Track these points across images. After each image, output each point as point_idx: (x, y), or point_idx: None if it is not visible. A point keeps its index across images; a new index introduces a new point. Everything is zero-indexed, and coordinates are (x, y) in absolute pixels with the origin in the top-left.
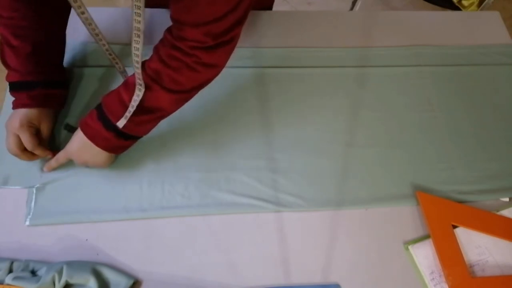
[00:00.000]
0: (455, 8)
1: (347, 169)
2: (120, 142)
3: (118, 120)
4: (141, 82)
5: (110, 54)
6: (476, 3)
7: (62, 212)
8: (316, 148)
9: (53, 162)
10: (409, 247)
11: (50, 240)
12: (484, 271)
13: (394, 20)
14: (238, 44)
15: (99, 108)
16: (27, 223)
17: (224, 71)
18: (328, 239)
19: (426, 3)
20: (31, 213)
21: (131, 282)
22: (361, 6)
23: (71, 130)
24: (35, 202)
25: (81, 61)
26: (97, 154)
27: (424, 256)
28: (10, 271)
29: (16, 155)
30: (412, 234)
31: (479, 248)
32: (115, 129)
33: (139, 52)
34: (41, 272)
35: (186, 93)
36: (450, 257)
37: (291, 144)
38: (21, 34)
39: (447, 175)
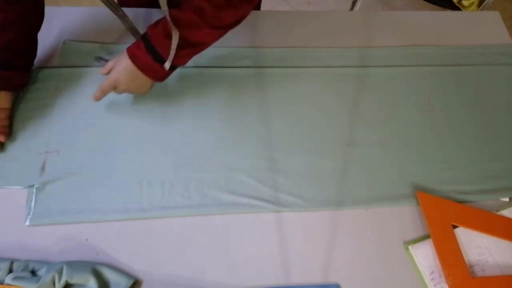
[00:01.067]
0: (455, 8)
1: (347, 169)
2: (166, 72)
3: (165, 53)
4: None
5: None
6: (476, 3)
7: (62, 212)
8: (316, 148)
9: (99, 93)
10: (409, 247)
11: (50, 240)
12: (484, 271)
13: (394, 20)
14: (238, 44)
15: (145, 40)
16: (27, 223)
17: (224, 71)
18: (328, 239)
19: (426, 3)
20: (31, 213)
21: (131, 282)
22: (361, 6)
23: (101, 62)
24: (35, 202)
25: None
26: (144, 83)
27: (424, 256)
28: (10, 271)
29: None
30: (412, 234)
31: (479, 248)
32: (162, 60)
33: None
34: (41, 272)
35: (226, 28)
36: (450, 257)
37: (291, 144)
38: None
39: (447, 175)
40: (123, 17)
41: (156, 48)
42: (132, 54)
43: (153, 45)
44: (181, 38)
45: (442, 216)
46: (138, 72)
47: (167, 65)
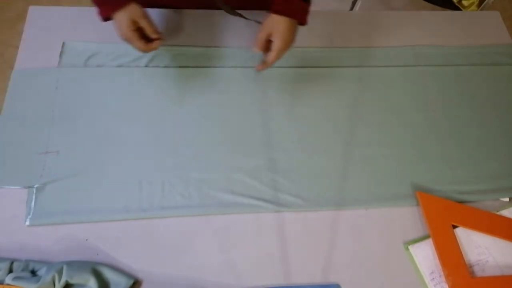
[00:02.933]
0: (455, 8)
1: (347, 169)
2: (309, 8)
3: None
4: None
5: None
6: (476, 3)
7: (62, 212)
8: (316, 148)
9: (274, 58)
10: (409, 247)
11: (50, 240)
12: (484, 271)
13: (394, 20)
14: (238, 44)
15: None
16: (27, 223)
17: (224, 71)
18: (328, 239)
19: (426, 3)
20: (31, 213)
21: (131, 282)
22: (361, 6)
23: (232, 12)
24: (35, 202)
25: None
26: (296, 32)
27: (424, 256)
28: (10, 271)
29: (142, 48)
30: (412, 234)
31: (479, 248)
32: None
33: None
34: (41, 272)
35: None
36: (450, 257)
37: (291, 144)
38: None
39: (447, 175)
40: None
41: None
42: (284, 9)
43: None
44: None
45: (442, 216)
46: (293, 24)
47: None
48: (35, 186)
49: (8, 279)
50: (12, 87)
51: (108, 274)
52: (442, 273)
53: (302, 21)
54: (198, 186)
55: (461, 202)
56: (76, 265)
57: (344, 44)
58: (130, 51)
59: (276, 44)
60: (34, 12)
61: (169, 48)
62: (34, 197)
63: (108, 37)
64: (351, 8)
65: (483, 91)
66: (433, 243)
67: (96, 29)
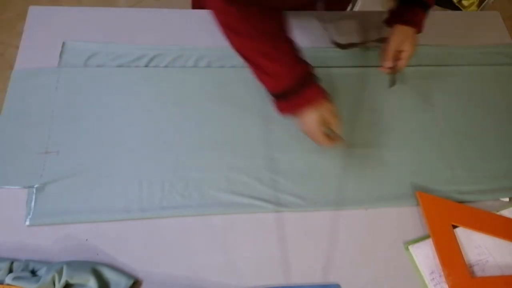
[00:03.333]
0: (455, 8)
1: (347, 169)
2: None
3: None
4: None
5: None
6: (476, 3)
7: (62, 212)
8: (316, 148)
9: (404, 65)
10: (409, 247)
11: (50, 240)
12: (484, 271)
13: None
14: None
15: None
16: (27, 223)
17: (225, 71)
18: (328, 239)
19: None
20: (31, 213)
21: (131, 282)
22: (361, 6)
23: (341, 46)
24: (35, 202)
25: None
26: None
27: (424, 256)
28: (10, 271)
29: (328, 144)
30: (412, 234)
31: (479, 248)
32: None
33: None
34: (41, 272)
35: None
36: (450, 257)
37: (291, 144)
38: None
39: (447, 175)
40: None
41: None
42: (412, 20)
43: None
44: None
45: (442, 216)
46: (416, 33)
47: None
48: (35, 186)
49: (8, 279)
50: (12, 87)
51: (108, 274)
52: (442, 273)
53: (422, 30)
54: (198, 186)
55: (461, 202)
56: (76, 265)
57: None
58: (130, 51)
59: (408, 52)
60: (34, 12)
61: (169, 48)
62: (34, 197)
63: (108, 37)
64: (351, 8)
65: (483, 91)
66: (433, 243)
67: (96, 29)
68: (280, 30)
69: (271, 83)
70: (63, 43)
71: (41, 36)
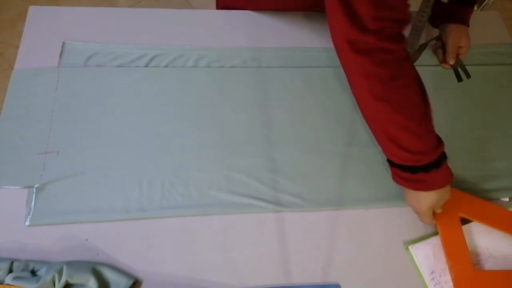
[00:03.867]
0: None
1: (347, 169)
2: None
3: None
4: None
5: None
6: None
7: (62, 212)
8: (316, 148)
9: (466, 55)
10: (409, 247)
11: (50, 240)
12: None
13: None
14: (238, 44)
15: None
16: (27, 223)
17: (225, 71)
18: (328, 239)
19: None
20: (31, 213)
21: (131, 282)
22: None
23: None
24: (35, 202)
25: None
26: None
27: (424, 256)
28: (10, 271)
29: (430, 223)
30: (412, 234)
31: (479, 248)
32: None
33: None
34: (41, 272)
35: None
36: (455, 249)
37: (291, 144)
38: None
39: None
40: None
41: None
42: (466, 19)
43: None
44: None
45: (450, 206)
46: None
47: None
48: (35, 186)
49: (8, 279)
50: (12, 87)
51: (108, 274)
52: (441, 271)
53: (468, 26)
54: (198, 186)
55: None
56: (76, 265)
57: None
58: (130, 51)
59: (467, 47)
60: (34, 12)
61: (169, 48)
62: (34, 197)
63: (108, 37)
64: None
65: (483, 91)
66: (439, 233)
67: (96, 29)
68: (425, 102)
69: (406, 156)
70: (63, 43)
71: (41, 36)
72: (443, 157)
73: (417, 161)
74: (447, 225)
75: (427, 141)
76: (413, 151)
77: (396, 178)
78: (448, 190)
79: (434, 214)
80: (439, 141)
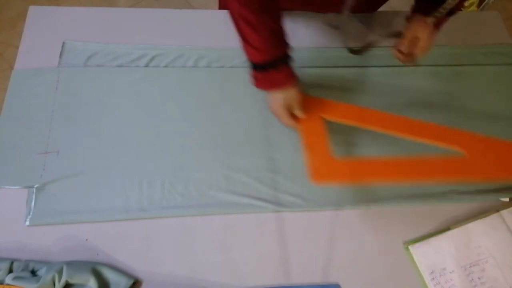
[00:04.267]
0: None
1: None
2: None
3: None
4: None
5: None
6: (476, 3)
7: (62, 212)
8: None
9: (422, 54)
10: (409, 247)
11: (50, 240)
12: (484, 271)
13: (394, 20)
14: (238, 45)
15: None
16: (27, 223)
17: (225, 71)
18: (328, 239)
19: None
20: (31, 213)
21: (131, 282)
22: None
23: (356, 52)
24: (35, 202)
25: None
26: None
27: (424, 256)
28: (10, 271)
29: (289, 125)
30: (412, 234)
31: (479, 248)
32: None
33: None
34: (41, 272)
35: None
36: (314, 141)
37: (291, 144)
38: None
39: None
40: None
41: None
42: (427, 9)
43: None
44: None
45: (312, 109)
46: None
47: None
48: (35, 186)
49: (8, 279)
50: (12, 87)
51: (108, 274)
52: (445, 266)
53: (440, 26)
54: (198, 186)
55: (461, 202)
56: (76, 265)
57: (344, 44)
58: (130, 51)
59: (424, 41)
60: (34, 12)
61: (169, 48)
62: (34, 197)
63: (108, 37)
64: None
65: (483, 91)
66: (299, 131)
67: (96, 29)
68: (279, 16)
69: (250, 50)
70: (63, 43)
71: (41, 36)
72: (283, 60)
73: (257, 57)
74: (308, 124)
75: (269, 41)
76: (254, 46)
77: (250, 78)
78: (295, 92)
79: (296, 118)
80: (283, 46)
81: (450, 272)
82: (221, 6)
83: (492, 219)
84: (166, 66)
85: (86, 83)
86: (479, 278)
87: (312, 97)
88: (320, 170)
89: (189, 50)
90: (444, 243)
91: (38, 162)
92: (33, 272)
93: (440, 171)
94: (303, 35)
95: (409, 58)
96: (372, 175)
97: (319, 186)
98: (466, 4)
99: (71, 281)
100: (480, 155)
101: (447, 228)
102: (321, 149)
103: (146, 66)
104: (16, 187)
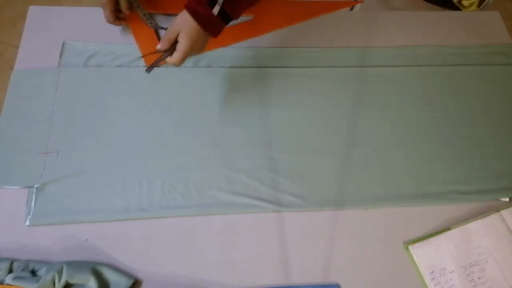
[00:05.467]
0: (455, 8)
1: (347, 169)
2: (223, 25)
3: (228, 7)
4: None
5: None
6: (476, 3)
7: (62, 212)
8: (316, 148)
9: (178, 60)
10: (409, 247)
11: (50, 240)
12: (484, 271)
13: (394, 20)
14: (238, 44)
15: None
16: (27, 223)
17: (225, 71)
18: (328, 239)
19: (426, 3)
20: (31, 213)
21: (131, 282)
22: (361, 6)
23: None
24: (35, 202)
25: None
26: (205, 41)
27: (424, 256)
28: (10, 271)
29: (108, 19)
30: (412, 234)
31: (479, 248)
32: (223, 14)
33: None
34: (41, 272)
35: None
36: (147, 41)
37: (291, 144)
38: None
39: (447, 175)
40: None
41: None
42: (196, 14)
43: None
44: None
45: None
46: (203, 31)
47: (216, 9)
48: (35, 186)
49: (8, 279)
50: (12, 87)
51: (108, 274)
52: (445, 266)
53: (212, 35)
54: (198, 186)
55: (461, 202)
56: (76, 265)
57: (344, 44)
58: (130, 51)
59: (182, 46)
60: (34, 12)
61: None
62: (34, 197)
63: (108, 37)
64: (351, 8)
65: (483, 91)
66: (132, 32)
67: (96, 29)
68: None
69: None
70: (63, 43)
71: (41, 36)
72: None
73: None
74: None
75: None
76: None
77: None
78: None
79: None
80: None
81: (450, 272)
82: None
83: (492, 219)
84: (165, 66)
85: (86, 83)
86: (479, 278)
87: None
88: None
89: None
90: (444, 243)
91: (38, 162)
92: (33, 272)
93: (235, 34)
94: (310, 36)
95: (159, 59)
96: None
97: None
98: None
99: (71, 281)
100: (265, 15)
101: (447, 228)
102: (152, 43)
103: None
104: (16, 187)
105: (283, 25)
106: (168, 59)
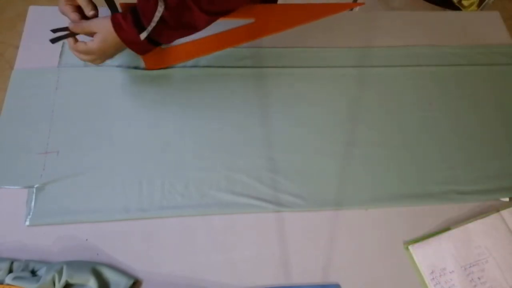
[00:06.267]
0: (455, 8)
1: (347, 169)
2: (148, 46)
3: (151, 28)
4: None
5: None
6: (476, 3)
7: (62, 212)
8: (316, 148)
9: (85, 57)
10: (409, 247)
11: (50, 240)
12: (484, 271)
13: (394, 20)
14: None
15: (134, 14)
16: (27, 223)
17: (224, 71)
18: (328, 239)
19: (426, 3)
20: (31, 213)
21: (131, 282)
22: (361, 7)
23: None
24: (35, 202)
25: None
26: (119, 50)
27: (424, 256)
28: (10, 271)
29: (74, 21)
30: (412, 234)
31: (479, 248)
32: (148, 37)
33: None
34: (41, 272)
35: (218, 15)
36: None
37: (291, 144)
38: None
39: (447, 175)
40: None
41: (143, 23)
42: (118, 26)
43: (142, 20)
44: (171, 17)
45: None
46: (117, 41)
47: (143, 35)
48: (35, 186)
49: (8, 279)
50: (12, 87)
51: (108, 274)
52: (445, 266)
53: (133, 50)
54: (198, 186)
55: (461, 202)
56: (76, 265)
57: (344, 44)
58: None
59: (90, 48)
60: (34, 12)
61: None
62: (34, 197)
63: None
64: (351, 9)
65: (483, 91)
66: None
67: None
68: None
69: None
70: (63, 43)
71: (41, 36)
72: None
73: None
74: None
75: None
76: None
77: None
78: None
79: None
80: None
81: (450, 272)
82: None
83: (492, 219)
84: (167, 67)
85: (86, 83)
86: (479, 278)
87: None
88: (150, 59)
89: None
90: (444, 243)
91: (38, 162)
92: (33, 272)
93: (236, 37)
94: (311, 36)
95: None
96: (197, 52)
97: None
98: (466, 4)
99: (71, 281)
100: (265, 18)
101: (447, 228)
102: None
103: None
104: (16, 187)
105: (283, 28)
106: (73, 46)
